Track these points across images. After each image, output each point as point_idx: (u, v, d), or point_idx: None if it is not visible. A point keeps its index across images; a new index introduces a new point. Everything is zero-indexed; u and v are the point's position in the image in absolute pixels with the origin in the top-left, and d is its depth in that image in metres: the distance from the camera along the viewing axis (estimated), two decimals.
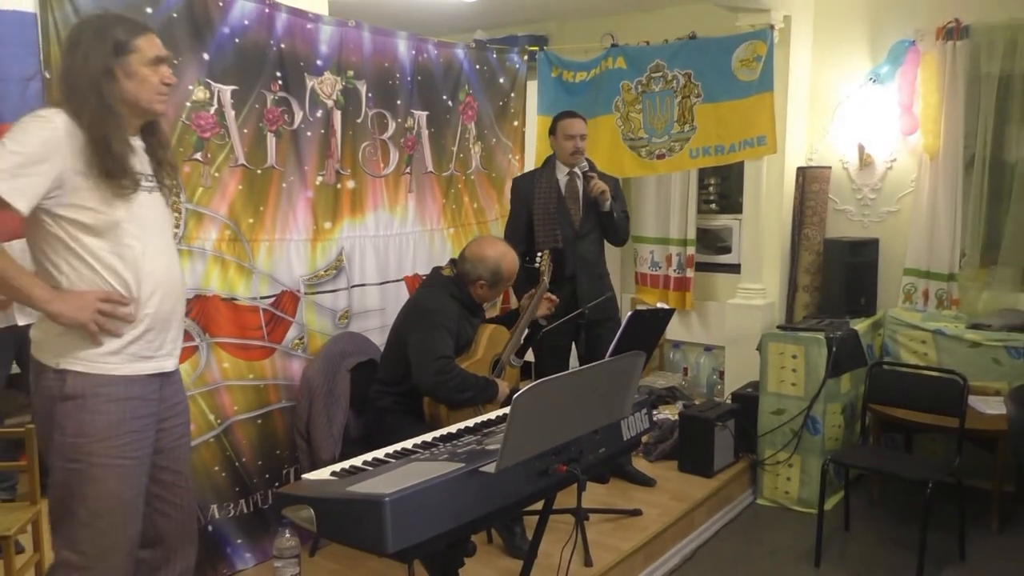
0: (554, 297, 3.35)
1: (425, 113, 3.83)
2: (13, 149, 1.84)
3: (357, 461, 1.91)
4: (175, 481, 2.19)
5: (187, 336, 2.77)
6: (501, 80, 4.30)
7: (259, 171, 3.09)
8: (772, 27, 4.22)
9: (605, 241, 3.81)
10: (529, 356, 3.54)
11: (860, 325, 4.23)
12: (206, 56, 2.87)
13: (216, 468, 2.99)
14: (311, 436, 3.08)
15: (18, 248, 2.02)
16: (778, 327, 4.21)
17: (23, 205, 1.85)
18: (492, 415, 2.32)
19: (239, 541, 3.05)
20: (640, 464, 4.00)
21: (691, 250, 5.27)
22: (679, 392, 4.99)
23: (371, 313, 3.59)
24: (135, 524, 2.06)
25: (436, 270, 3.19)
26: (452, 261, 3.18)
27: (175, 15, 2.76)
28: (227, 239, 2.99)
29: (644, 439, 3.89)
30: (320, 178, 3.32)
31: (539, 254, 3.40)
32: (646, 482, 3.83)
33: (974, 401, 3.69)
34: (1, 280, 1.87)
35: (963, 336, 4.06)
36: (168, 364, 2.11)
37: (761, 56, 4.19)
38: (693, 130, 4.39)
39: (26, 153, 1.84)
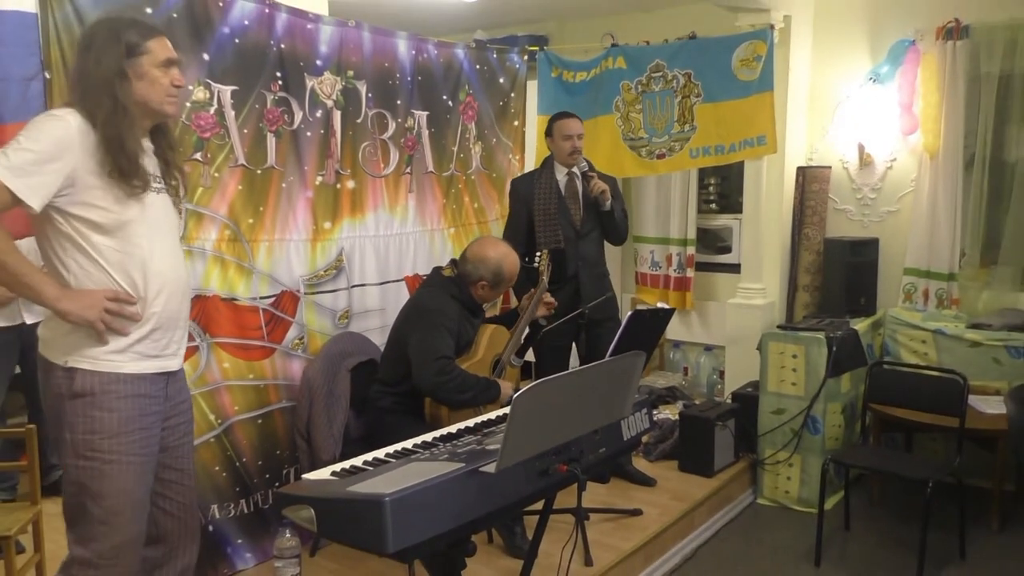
0: (552, 300, 3.35)
1: (425, 113, 3.83)
2: (27, 147, 1.87)
3: (357, 461, 1.91)
4: (178, 480, 2.21)
5: (187, 336, 2.77)
6: (501, 80, 4.30)
7: (259, 171, 3.09)
8: (772, 27, 4.22)
9: (604, 241, 3.81)
10: (529, 356, 3.55)
11: (860, 325, 4.23)
12: (206, 56, 2.87)
13: (217, 468, 2.99)
14: (311, 436, 3.08)
15: (24, 247, 2.04)
16: (778, 327, 4.21)
17: (36, 202, 1.88)
18: (492, 415, 2.32)
19: (239, 541, 3.05)
20: (640, 464, 4.01)
21: (691, 250, 5.27)
22: (679, 392, 4.99)
23: (371, 313, 3.59)
24: (144, 521, 2.09)
25: (436, 270, 3.19)
26: (453, 261, 3.17)
27: (175, 15, 2.76)
28: (227, 239, 3.00)
29: (644, 439, 3.89)
30: (320, 178, 3.32)
31: (538, 254, 3.41)
32: (646, 482, 3.83)
33: (974, 401, 3.69)
34: (13, 277, 1.89)
35: (963, 336, 4.06)
36: (173, 364, 2.14)
37: (761, 56, 4.19)
38: (693, 130, 4.39)
39: (39, 151, 1.87)
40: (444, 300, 3.00)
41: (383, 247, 3.65)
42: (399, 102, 3.67)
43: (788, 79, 4.50)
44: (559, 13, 5.58)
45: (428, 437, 2.11)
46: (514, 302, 3.73)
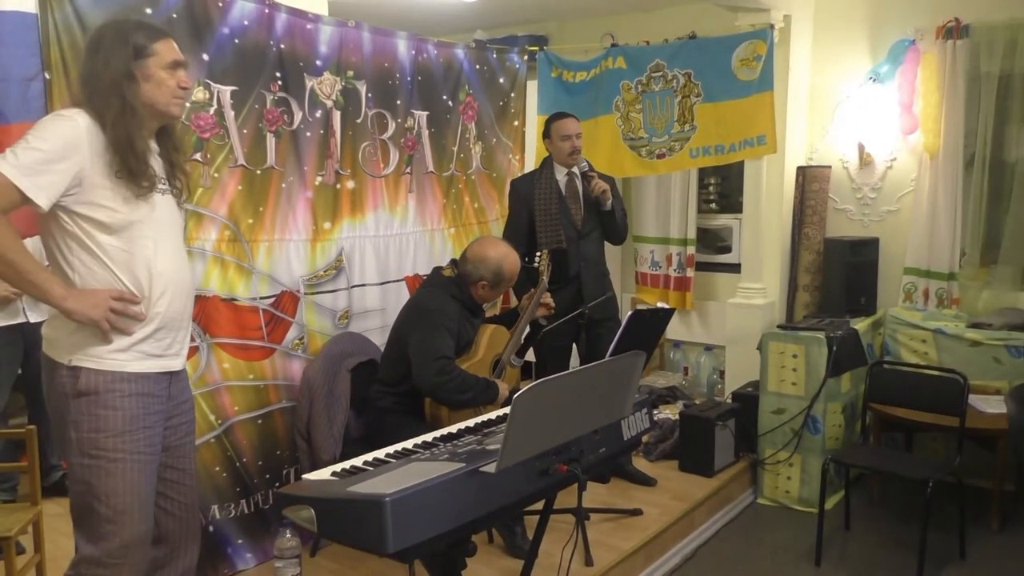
0: (550, 302, 3.34)
1: (425, 113, 3.83)
2: (36, 146, 1.89)
3: (357, 461, 1.91)
4: (180, 480, 2.22)
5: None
6: (501, 80, 4.30)
7: (258, 171, 3.09)
8: (772, 26, 4.23)
9: (604, 240, 3.81)
10: (530, 356, 3.55)
11: (860, 324, 4.23)
12: (206, 56, 2.87)
13: (217, 468, 2.99)
14: (311, 436, 3.08)
15: (29, 246, 2.04)
16: (778, 326, 4.21)
17: (43, 201, 1.89)
18: (492, 415, 2.32)
19: (240, 541, 3.05)
20: (640, 464, 4.01)
21: (691, 250, 5.27)
22: (679, 392, 4.99)
23: (371, 313, 3.59)
24: (151, 520, 2.10)
25: (437, 270, 3.19)
26: (453, 261, 3.17)
27: (175, 15, 2.76)
28: (227, 239, 3.00)
29: (644, 439, 3.89)
30: (319, 178, 3.32)
31: (538, 254, 3.41)
32: (646, 482, 3.83)
33: (974, 400, 3.69)
34: (20, 275, 1.91)
35: (963, 335, 4.06)
36: (176, 363, 2.16)
37: (761, 55, 4.19)
38: (693, 130, 4.39)
39: (48, 150, 1.89)
40: (444, 300, 3.00)
41: (383, 247, 3.65)
42: (399, 102, 3.67)
43: (788, 79, 4.50)
44: (559, 13, 5.58)
45: (428, 437, 2.11)
46: (514, 302, 3.73)
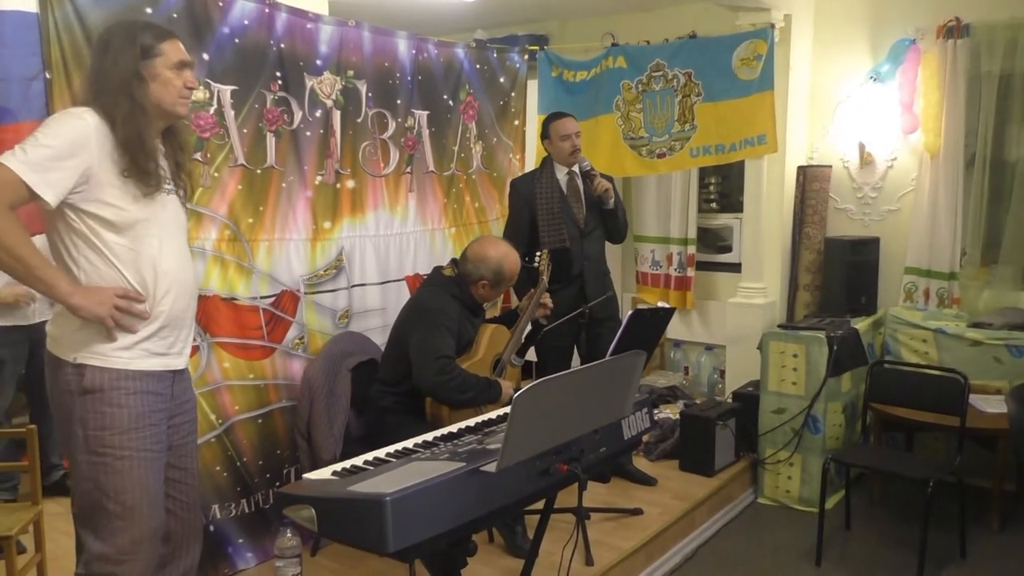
0: (549, 303, 3.34)
1: (426, 112, 3.83)
2: (44, 143, 1.90)
3: (358, 461, 1.91)
4: (182, 479, 2.23)
5: None
6: (502, 79, 4.30)
7: (259, 171, 3.09)
8: (772, 26, 4.23)
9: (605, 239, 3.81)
10: (530, 355, 3.54)
11: (861, 324, 4.23)
12: (206, 56, 2.87)
13: (217, 468, 2.99)
14: (312, 436, 3.08)
15: (35, 244, 2.04)
16: (779, 326, 4.21)
17: (51, 197, 1.90)
18: (493, 414, 2.32)
19: (240, 541, 3.06)
20: (641, 463, 4.01)
21: (692, 249, 5.27)
22: (680, 391, 4.99)
23: (372, 313, 3.59)
24: (161, 516, 2.11)
25: (437, 270, 3.18)
26: (453, 261, 3.17)
27: (175, 15, 2.76)
28: (227, 239, 3.00)
29: (645, 438, 3.88)
30: (319, 178, 3.32)
31: (538, 254, 3.41)
32: (647, 481, 3.83)
33: (975, 400, 3.69)
34: (27, 270, 1.92)
35: (964, 335, 4.06)
36: (179, 362, 2.17)
37: (761, 55, 4.19)
38: (694, 129, 4.39)
39: (56, 147, 1.90)
40: (445, 299, 3.00)
41: (383, 247, 3.65)
42: (399, 102, 3.67)
43: (788, 78, 4.50)
44: (559, 13, 5.58)
45: (429, 436, 2.11)
46: (514, 302, 3.73)
